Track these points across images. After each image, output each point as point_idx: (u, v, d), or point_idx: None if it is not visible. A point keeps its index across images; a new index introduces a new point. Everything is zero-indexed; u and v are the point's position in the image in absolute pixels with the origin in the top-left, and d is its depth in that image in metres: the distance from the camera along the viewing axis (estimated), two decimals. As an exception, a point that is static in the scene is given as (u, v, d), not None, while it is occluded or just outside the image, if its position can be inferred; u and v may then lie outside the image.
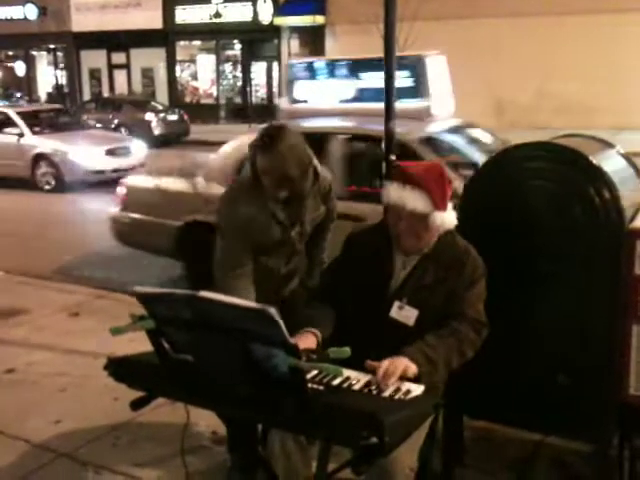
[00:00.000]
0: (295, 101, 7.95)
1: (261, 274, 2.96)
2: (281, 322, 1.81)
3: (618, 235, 2.64)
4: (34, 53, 31.03)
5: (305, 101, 7.83)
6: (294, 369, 1.87)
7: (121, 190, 6.61)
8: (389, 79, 3.99)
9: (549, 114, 17.27)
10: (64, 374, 4.41)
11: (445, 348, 2.37)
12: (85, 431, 3.68)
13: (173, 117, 20.75)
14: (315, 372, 2.13)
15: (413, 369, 2.23)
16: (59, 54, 30.13)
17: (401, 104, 6.83)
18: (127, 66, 28.11)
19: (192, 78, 27.56)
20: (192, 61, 27.40)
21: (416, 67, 6.97)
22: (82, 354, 4.69)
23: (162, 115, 20.37)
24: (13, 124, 13.24)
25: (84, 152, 12.70)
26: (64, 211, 11.06)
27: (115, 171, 12.46)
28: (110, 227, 6.74)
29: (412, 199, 2.42)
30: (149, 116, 19.89)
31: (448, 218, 2.49)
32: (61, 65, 30.35)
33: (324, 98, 7.60)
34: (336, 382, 2.12)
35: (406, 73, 6.88)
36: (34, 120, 13.66)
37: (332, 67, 7.87)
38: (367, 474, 2.21)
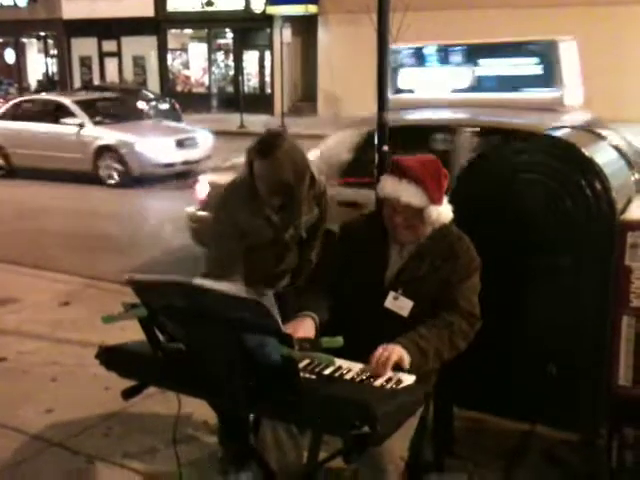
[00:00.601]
0: (399, 91, 7.05)
1: (254, 271, 2.98)
2: (274, 311, 1.81)
3: (609, 226, 2.65)
4: (24, 40, 30.75)
5: (411, 91, 7.02)
6: (287, 358, 1.87)
7: (201, 187, 6.06)
8: (382, 69, 3.97)
9: (541, 106, 17.25)
10: (55, 363, 4.40)
11: (437, 339, 2.37)
12: (77, 421, 3.67)
13: (164, 106, 20.56)
14: (307, 361, 2.13)
15: (407, 360, 2.22)
16: (49, 41, 29.89)
17: (530, 94, 6.10)
18: (118, 54, 27.91)
19: (184, 67, 27.40)
20: (184, 50, 27.23)
21: (548, 53, 6.27)
22: (73, 343, 4.68)
23: (153, 104, 20.19)
24: (70, 114, 12.26)
25: (152, 143, 11.78)
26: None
27: (184, 164, 11.88)
28: (187, 226, 6.24)
29: (407, 193, 2.43)
30: (140, 105, 19.73)
31: (444, 212, 2.49)
32: (51, 53, 30.11)
33: (434, 87, 6.83)
34: (328, 371, 2.12)
35: (535, 60, 6.25)
36: (92, 110, 12.63)
37: (445, 53, 7.05)
38: (358, 464, 2.22)
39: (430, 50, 7.19)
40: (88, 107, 12.62)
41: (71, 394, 3.98)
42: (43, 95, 14.65)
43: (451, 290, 2.48)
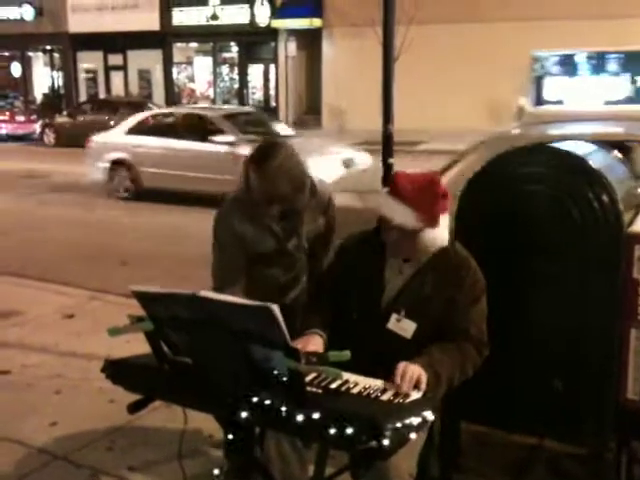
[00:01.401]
0: (544, 102, 6.57)
1: (259, 282, 2.97)
2: (282, 320, 1.80)
3: (616, 239, 2.64)
4: (30, 54, 30.97)
5: (560, 102, 6.35)
6: (293, 372, 1.86)
7: None
8: (387, 81, 3.99)
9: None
10: (59, 376, 4.38)
11: (451, 365, 2.33)
12: (81, 434, 3.65)
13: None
14: (314, 375, 2.12)
15: (425, 382, 2.18)
16: (55, 55, 30.10)
17: None
18: (124, 68, 28.10)
19: (189, 80, 27.56)
20: (189, 63, 27.41)
21: None
22: (77, 356, 4.67)
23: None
24: (216, 130, 10.79)
25: (319, 164, 9.80)
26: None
27: None
28: None
29: (401, 214, 2.36)
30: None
31: (439, 236, 2.39)
32: (57, 66, 30.31)
33: (586, 98, 6.34)
34: (334, 385, 2.11)
35: None
36: (239, 126, 11.07)
37: (599, 60, 6.59)
38: (365, 479, 2.20)
39: (581, 57, 6.55)
40: (235, 122, 11.17)
41: (75, 407, 3.96)
42: (182, 108, 13.10)
43: (460, 315, 2.43)
